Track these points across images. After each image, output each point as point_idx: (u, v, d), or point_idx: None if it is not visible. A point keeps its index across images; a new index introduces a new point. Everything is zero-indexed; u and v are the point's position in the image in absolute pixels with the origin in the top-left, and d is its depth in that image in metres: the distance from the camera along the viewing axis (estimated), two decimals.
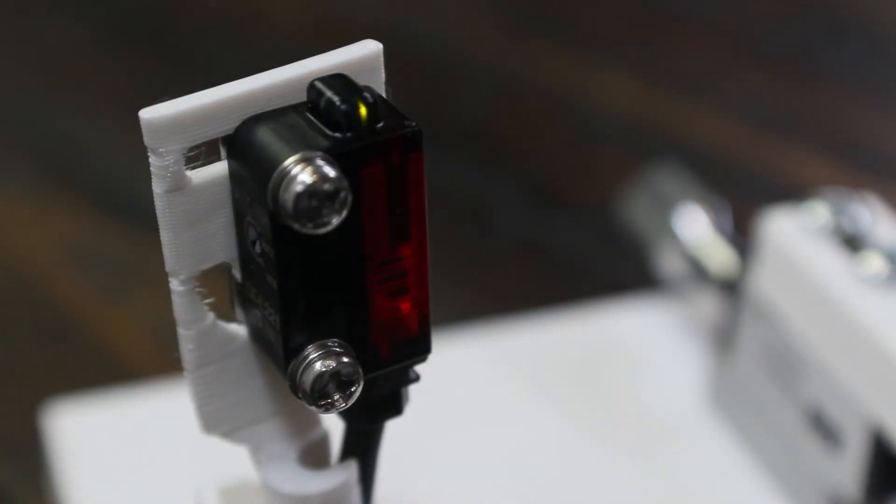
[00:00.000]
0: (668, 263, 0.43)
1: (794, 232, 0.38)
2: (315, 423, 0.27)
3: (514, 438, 0.41)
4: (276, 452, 0.27)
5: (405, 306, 0.25)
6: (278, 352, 0.24)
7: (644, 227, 0.44)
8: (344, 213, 0.23)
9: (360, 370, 0.24)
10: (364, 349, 0.25)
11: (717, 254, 0.42)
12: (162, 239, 0.24)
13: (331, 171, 0.22)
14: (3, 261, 0.53)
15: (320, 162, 0.22)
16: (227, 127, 0.24)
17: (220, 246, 0.25)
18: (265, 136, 0.23)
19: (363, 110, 0.23)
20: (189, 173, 0.24)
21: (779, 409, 0.39)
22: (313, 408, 0.24)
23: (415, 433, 0.35)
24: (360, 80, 0.24)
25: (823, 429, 0.37)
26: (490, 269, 0.53)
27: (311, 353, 0.24)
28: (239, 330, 0.26)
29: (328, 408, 0.24)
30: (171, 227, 0.24)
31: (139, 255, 0.52)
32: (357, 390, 0.24)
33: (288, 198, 0.22)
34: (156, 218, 0.24)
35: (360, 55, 0.24)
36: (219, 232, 0.24)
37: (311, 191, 0.22)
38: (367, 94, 0.23)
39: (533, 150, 0.60)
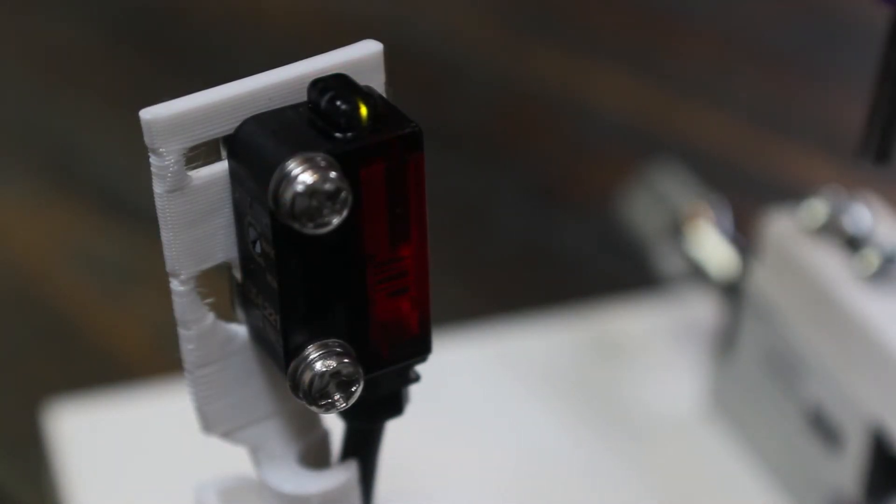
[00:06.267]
0: (668, 263, 0.43)
1: (794, 232, 0.38)
2: (315, 423, 0.27)
3: (513, 438, 0.41)
4: (276, 452, 0.27)
5: (405, 306, 0.25)
6: (278, 352, 0.24)
7: (644, 228, 0.44)
8: (344, 213, 0.23)
9: (361, 370, 0.24)
10: (364, 349, 0.25)
11: (718, 254, 0.42)
12: (162, 239, 0.24)
13: (331, 171, 0.22)
14: (3, 261, 0.53)
15: (321, 162, 0.22)
16: (228, 127, 0.24)
17: (221, 246, 0.25)
18: (265, 135, 0.23)
19: (364, 110, 0.23)
20: (189, 173, 0.24)
21: (779, 409, 0.39)
22: (313, 408, 0.24)
23: (415, 433, 0.35)
24: (361, 80, 0.24)
25: (823, 429, 0.37)
26: (490, 269, 0.52)
27: (312, 353, 0.24)
28: (239, 330, 0.26)
29: (328, 408, 0.24)
30: (171, 227, 0.24)
31: (139, 255, 0.52)
32: (357, 390, 0.24)
33: (288, 198, 0.22)
34: (156, 218, 0.24)
35: (361, 55, 0.24)
36: (219, 232, 0.24)
37: (311, 191, 0.22)
38: (367, 94, 0.23)
39: (533, 150, 0.60)
